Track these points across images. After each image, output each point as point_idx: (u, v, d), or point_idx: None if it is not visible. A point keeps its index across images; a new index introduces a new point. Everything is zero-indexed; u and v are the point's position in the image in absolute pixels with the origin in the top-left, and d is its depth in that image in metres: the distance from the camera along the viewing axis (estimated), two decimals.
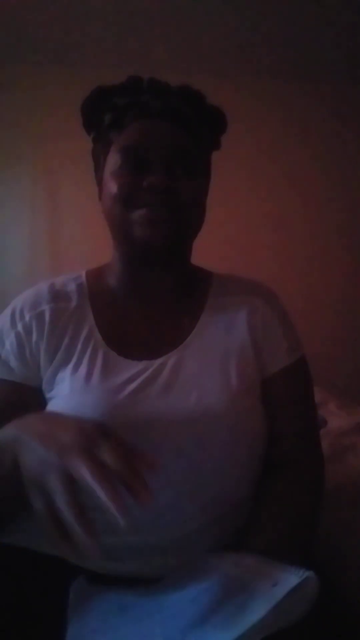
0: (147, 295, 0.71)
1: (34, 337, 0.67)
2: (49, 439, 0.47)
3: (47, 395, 0.66)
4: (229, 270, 0.80)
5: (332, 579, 0.62)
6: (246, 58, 2.17)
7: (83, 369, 0.64)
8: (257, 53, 2.13)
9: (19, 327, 0.68)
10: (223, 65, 2.16)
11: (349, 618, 0.57)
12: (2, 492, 0.55)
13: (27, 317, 0.68)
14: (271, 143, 2.37)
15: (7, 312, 0.70)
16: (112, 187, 0.65)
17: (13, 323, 0.68)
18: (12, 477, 0.48)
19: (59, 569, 0.59)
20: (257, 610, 0.43)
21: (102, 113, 0.67)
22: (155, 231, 0.63)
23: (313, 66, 2.22)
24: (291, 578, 0.45)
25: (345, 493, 0.98)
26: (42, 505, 0.44)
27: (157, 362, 0.66)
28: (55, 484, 0.43)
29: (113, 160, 0.66)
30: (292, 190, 2.40)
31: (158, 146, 0.64)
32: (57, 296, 0.71)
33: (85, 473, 0.43)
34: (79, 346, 0.66)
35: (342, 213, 2.46)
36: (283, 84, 2.33)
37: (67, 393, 0.63)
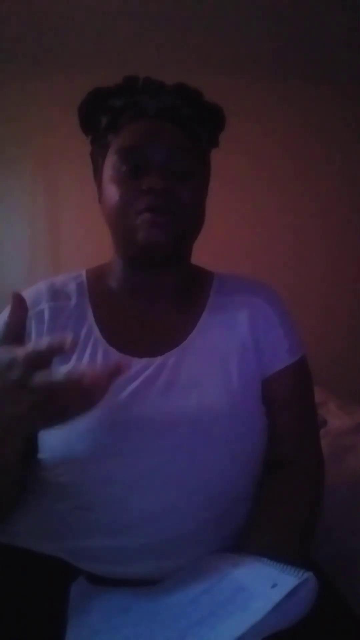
0: (147, 295, 0.71)
1: (33, 336, 0.67)
2: None
3: None
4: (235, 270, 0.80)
5: (332, 579, 0.62)
6: (251, 58, 2.16)
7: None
8: (261, 51, 2.12)
9: None
10: (226, 64, 2.16)
11: (349, 618, 0.57)
12: None
13: None
14: (284, 142, 2.36)
15: (6, 311, 0.70)
16: (112, 193, 0.65)
17: None
18: None
19: (59, 570, 0.58)
20: (257, 611, 0.43)
21: (98, 115, 0.68)
22: (158, 234, 0.63)
23: (331, 66, 2.21)
24: (291, 579, 0.45)
25: (345, 493, 0.99)
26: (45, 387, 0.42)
27: (158, 360, 0.66)
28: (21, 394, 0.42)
29: (111, 163, 0.66)
30: (305, 190, 2.40)
31: (155, 147, 0.64)
32: (56, 295, 0.71)
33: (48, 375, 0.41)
34: (79, 344, 0.66)
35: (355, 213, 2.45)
36: (299, 83, 2.32)
37: None
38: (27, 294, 0.71)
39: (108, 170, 0.67)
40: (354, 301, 2.47)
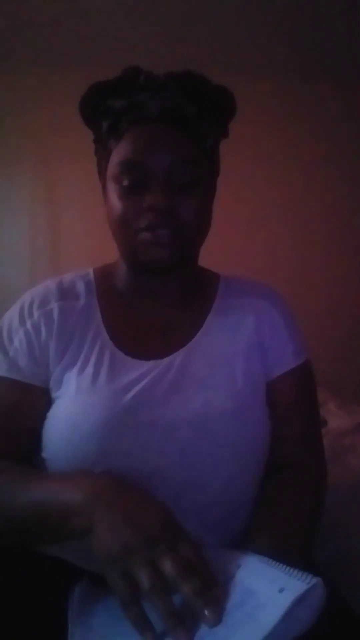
0: (153, 297, 0.71)
1: (43, 335, 0.66)
2: (135, 524, 0.47)
3: (54, 395, 0.66)
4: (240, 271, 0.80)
5: (333, 580, 0.62)
6: (252, 57, 2.16)
7: (90, 369, 0.64)
8: (262, 51, 2.12)
9: (28, 325, 0.67)
10: (226, 64, 2.15)
11: (350, 619, 0.57)
12: (57, 542, 0.56)
13: (35, 315, 0.67)
14: (285, 142, 2.36)
15: (16, 309, 0.70)
16: (114, 206, 0.64)
17: (22, 320, 0.68)
18: (75, 538, 0.50)
19: (62, 571, 0.59)
20: (268, 621, 0.41)
21: (99, 117, 0.66)
22: (159, 253, 0.63)
23: (332, 65, 2.20)
24: (299, 584, 0.43)
25: (345, 493, 0.99)
26: (124, 588, 0.44)
27: (164, 361, 0.65)
28: (144, 575, 0.43)
29: (112, 173, 0.65)
30: (307, 190, 2.40)
31: (157, 159, 0.62)
32: (65, 294, 0.70)
33: (173, 570, 0.43)
34: (86, 346, 0.66)
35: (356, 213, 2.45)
36: (299, 83, 2.32)
37: (73, 393, 0.63)
38: (36, 291, 0.71)
39: (110, 181, 0.65)
40: (355, 301, 2.47)
